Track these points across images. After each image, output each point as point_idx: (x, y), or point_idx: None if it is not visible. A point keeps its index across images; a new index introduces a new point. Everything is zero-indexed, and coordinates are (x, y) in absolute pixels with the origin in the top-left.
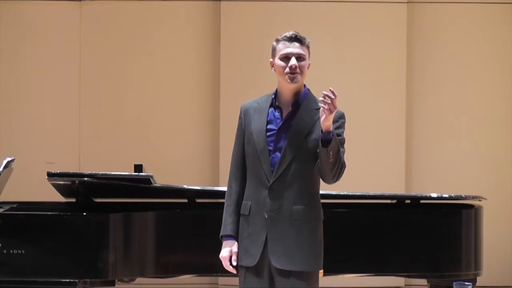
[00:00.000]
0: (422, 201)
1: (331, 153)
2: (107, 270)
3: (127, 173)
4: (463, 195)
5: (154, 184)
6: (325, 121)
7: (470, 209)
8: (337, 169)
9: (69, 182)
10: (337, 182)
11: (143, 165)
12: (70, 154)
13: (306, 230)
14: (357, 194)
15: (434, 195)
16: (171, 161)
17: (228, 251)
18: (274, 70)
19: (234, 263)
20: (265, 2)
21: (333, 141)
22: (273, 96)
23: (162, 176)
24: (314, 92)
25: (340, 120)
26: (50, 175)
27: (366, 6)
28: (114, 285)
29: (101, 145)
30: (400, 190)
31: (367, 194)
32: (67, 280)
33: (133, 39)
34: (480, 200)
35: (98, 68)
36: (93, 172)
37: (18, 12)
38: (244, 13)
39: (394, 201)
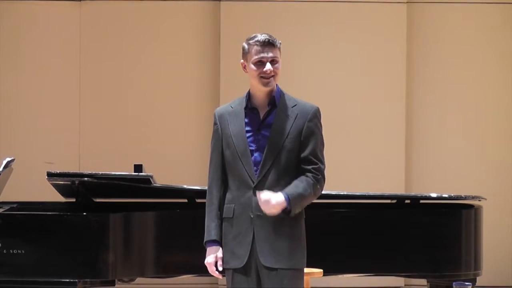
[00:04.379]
0: (422, 201)
1: (299, 209)
2: (107, 270)
3: (127, 173)
4: (463, 195)
5: (154, 184)
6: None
7: (470, 209)
8: (313, 199)
9: (69, 182)
10: (337, 182)
11: (143, 165)
12: (70, 154)
13: (292, 228)
14: (357, 194)
15: (434, 195)
16: (171, 161)
17: (213, 257)
18: (246, 71)
19: (220, 268)
20: (265, 2)
21: (293, 208)
22: (246, 98)
23: (162, 176)
24: (314, 91)
25: (314, 119)
26: (50, 175)
27: (366, 6)
28: (114, 285)
29: (101, 145)
30: (400, 190)
31: (367, 194)
32: (67, 280)
33: (133, 39)
34: (480, 200)
35: (98, 68)
36: (93, 172)
37: (18, 12)
38: (244, 13)
39: (394, 201)
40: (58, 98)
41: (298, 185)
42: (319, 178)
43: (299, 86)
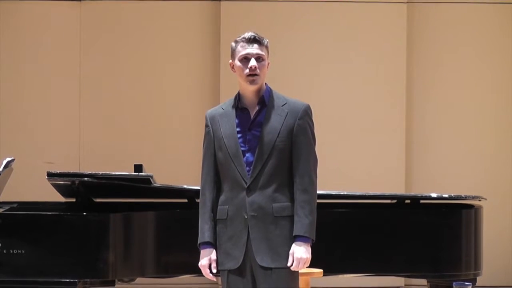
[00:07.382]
0: (422, 201)
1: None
2: (107, 270)
3: (127, 173)
4: (463, 195)
5: (154, 184)
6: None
7: (470, 209)
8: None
9: (69, 182)
10: (337, 182)
11: (143, 165)
12: (70, 154)
13: (287, 227)
14: (357, 194)
15: (434, 195)
16: (171, 161)
17: (207, 259)
18: (234, 71)
19: (214, 271)
20: (265, 2)
21: (314, 237)
22: (236, 98)
23: (162, 176)
24: (314, 91)
25: (305, 117)
26: (50, 175)
27: (366, 6)
28: (114, 285)
29: (101, 145)
30: (400, 190)
31: (367, 194)
32: (67, 280)
33: (133, 39)
34: (480, 200)
35: (98, 68)
36: (93, 172)
37: (18, 12)
38: (244, 13)
39: (394, 201)
40: (58, 98)
41: (301, 214)
42: (311, 191)
43: (299, 86)
